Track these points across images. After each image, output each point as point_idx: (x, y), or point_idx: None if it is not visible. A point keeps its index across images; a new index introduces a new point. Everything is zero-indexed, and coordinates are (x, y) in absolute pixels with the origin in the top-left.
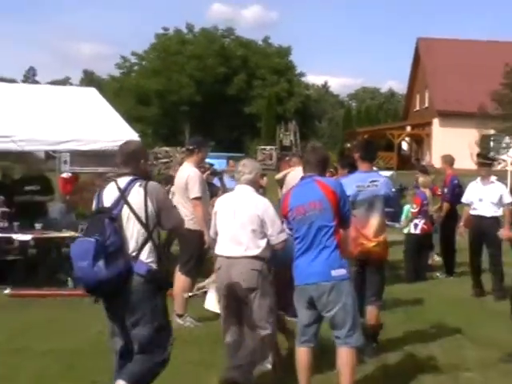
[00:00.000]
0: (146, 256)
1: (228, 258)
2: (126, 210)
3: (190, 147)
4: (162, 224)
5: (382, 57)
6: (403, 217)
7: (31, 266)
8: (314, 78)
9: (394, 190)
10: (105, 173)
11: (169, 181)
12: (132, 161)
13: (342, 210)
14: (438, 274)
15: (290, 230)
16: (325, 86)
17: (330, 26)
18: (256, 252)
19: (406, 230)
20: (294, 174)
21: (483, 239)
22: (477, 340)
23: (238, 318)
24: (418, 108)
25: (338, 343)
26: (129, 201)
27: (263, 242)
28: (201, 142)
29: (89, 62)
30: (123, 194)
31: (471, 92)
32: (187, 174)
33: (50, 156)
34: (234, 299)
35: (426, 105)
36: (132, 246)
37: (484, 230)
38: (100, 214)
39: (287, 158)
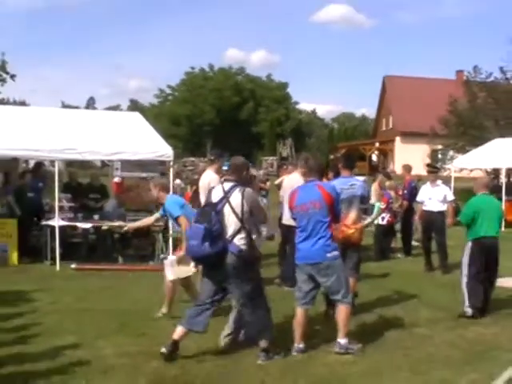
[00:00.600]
0: (238, 240)
1: None
2: (227, 207)
3: (211, 157)
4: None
5: (357, 89)
6: (375, 212)
7: (91, 247)
8: (305, 106)
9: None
10: (146, 177)
11: (194, 183)
12: (237, 171)
13: (335, 209)
14: (399, 255)
15: (294, 219)
16: (313, 112)
17: (317, 66)
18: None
19: (375, 222)
20: (289, 178)
21: (432, 228)
22: (428, 304)
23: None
24: (384, 129)
25: (338, 303)
26: (230, 201)
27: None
28: (219, 154)
29: (134, 92)
30: (226, 195)
31: (424, 117)
32: (209, 179)
33: (105, 164)
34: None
35: (391, 126)
36: (229, 232)
37: (433, 221)
38: (207, 207)
39: (285, 167)
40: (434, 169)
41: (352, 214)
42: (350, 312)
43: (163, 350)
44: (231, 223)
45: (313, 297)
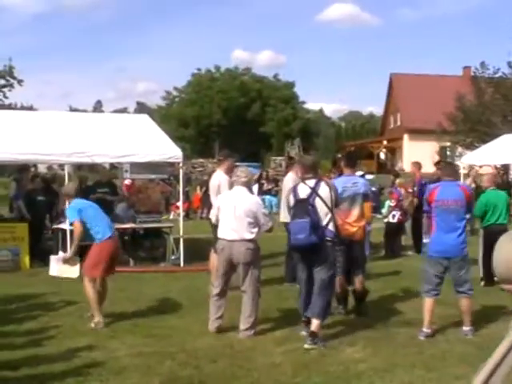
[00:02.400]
0: (331, 227)
1: (229, 241)
2: (318, 200)
3: (221, 158)
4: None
5: (364, 88)
6: (385, 210)
7: None
8: (312, 105)
9: (374, 189)
10: (155, 179)
11: (203, 184)
12: (313, 168)
13: (472, 206)
14: (409, 252)
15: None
16: (320, 111)
17: (324, 66)
18: (250, 236)
19: (385, 220)
20: (286, 178)
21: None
22: (440, 301)
23: (227, 283)
24: (392, 126)
25: (462, 295)
26: (319, 193)
27: (255, 229)
28: (228, 154)
29: (141, 95)
30: (314, 189)
31: (432, 114)
32: (219, 179)
33: (114, 166)
34: (230, 270)
35: (398, 124)
36: (324, 221)
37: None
38: (301, 203)
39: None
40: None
41: (355, 212)
42: (471, 303)
43: (307, 346)
44: (323, 213)
45: (441, 286)
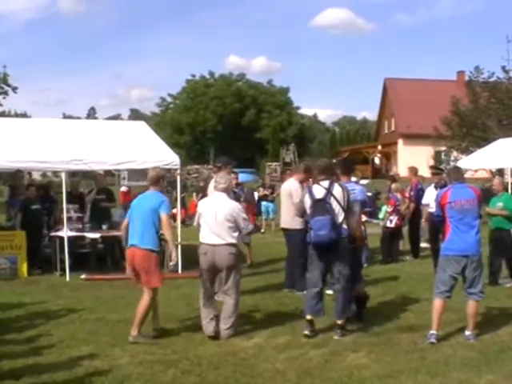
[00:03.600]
0: (345, 225)
1: (212, 245)
2: (333, 200)
3: (219, 165)
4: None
5: (358, 93)
6: (381, 215)
7: (100, 257)
8: (306, 110)
9: (370, 194)
10: None
11: (199, 191)
12: (327, 171)
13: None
14: (407, 257)
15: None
16: (315, 116)
17: (317, 72)
18: (232, 241)
19: (381, 224)
20: (286, 184)
21: (439, 231)
22: None
23: (212, 286)
24: (386, 131)
25: (472, 297)
26: (334, 194)
27: (236, 233)
28: (226, 161)
29: (135, 102)
30: (329, 190)
31: (426, 118)
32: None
33: (109, 173)
34: (213, 274)
35: (393, 129)
36: (339, 219)
37: (439, 224)
38: (319, 202)
39: (288, 172)
40: (438, 170)
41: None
42: (479, 307)
43: (336, 337)
44: (338, 212)
45: (453, 290)
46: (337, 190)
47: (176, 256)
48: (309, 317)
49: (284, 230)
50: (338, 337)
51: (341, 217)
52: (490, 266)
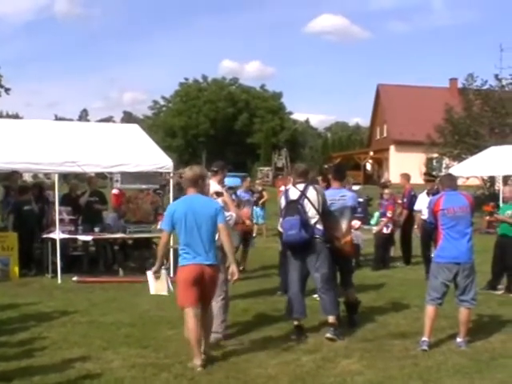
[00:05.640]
0: (319, 226)
1: None
2: (306, 201)
3: (215, 169)
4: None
5: (350, 99)
6: (373, 221)
7: (92, 260)
8: (299, 116)
9: (361, 199)
10: (147, 188)
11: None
12: (304, 175)
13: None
14: (398, 264)
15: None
16: (307, 122)
17: (310, 77)
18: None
19: (374, 231)
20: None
21: (431, 238)
22: None
23: None
24: (378, 137)
25: (464, 304)
26: (308, 196)
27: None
28: (222, 165)
29: (128, 105)
30: (303, 192)
31: (418, 125)
32: (213, 190)
33: (100, 176)
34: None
35: (385, 135)
36: (312, 221)
37: (431, 231)
38: (292, 203)
39: (280, 177)
40: (430, 178)
41: (343, 225)
42: (471, 314)
43: (329, 335)
44: (311, 214)
45: (445, 296)
46: (311, 193)
47: (238, 271)
48: (295, 322)
49: (280, 233)
50: (331, 335)
51: (314, 218)
52: (491, 270)
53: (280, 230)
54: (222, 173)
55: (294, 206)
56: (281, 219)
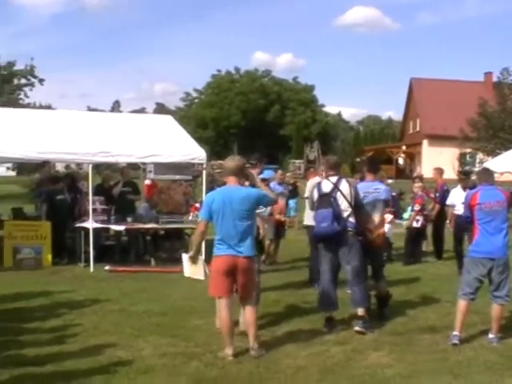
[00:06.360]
0: (352, 219)
1: None
2: (339, 194)
3: (253, 161)
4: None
5: (383, 92)
6: (406, 215)
7: (124, 249)
8: (331, 109)
9: (393, 194)
10: (179, 179)
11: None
12: (336, 167)
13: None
14: (429, 259)
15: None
16: (339, 115)
17: (343, 70)
18: None
19: (405, 224)
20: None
21: (464, 233)
22: None
23: None
24: (411, 131)
25: (497, 300)
26: (340, 189)
27: None
28: (260, 158)
29: (160, 96)
30: (336, 185)
31: (452, 120)
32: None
33: (133, 167)
34: None
35: (418, 129)
36: (344, 213)
37: (464, 226)
38: (325, 196)
39: (312, 169)
40: (465, 176)
41: (376, 218)
42: (504, 310)
43: (358, 328)
44: (344, 207)
45: (478, 292)
46: (344, 186)
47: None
48: (326, 314)
49: (307, 227)
50: (359, 327)
51: (347, 211)
52: None
53: (306, 223)
54: (261, 165)
55: (327, 199)
56: (307, 211)
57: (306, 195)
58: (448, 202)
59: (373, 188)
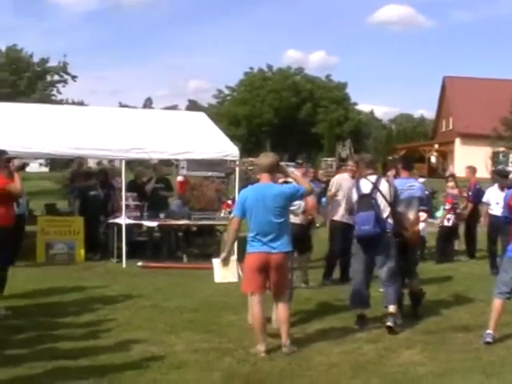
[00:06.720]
0: (390, 219)
1: None
2: (379, 195)
3: (300, 161)
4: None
5: (415, 91)
6: (439, 214)
7: (156, 245)
8: (363, 107)
9: (427, 192)
10: (212, 176)
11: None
12: (372, 165)
13: None
14: (462, 258)
15: None
16: (371, 113)
17: (375, 68)
18: None
19: (437, 222)
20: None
21: (498, 233)
22: None
23: None
24: (443, 130)
25: None
26: (380, 189)
27: None
28: (307, 159)
29: (192, 93)
30: (376, 185)
31: (485, 118)
32: None
33: (166, 163)
34: None
35: (450, 128)
36: (384, 214)
37: (499, 226)
38: (365, 197)
39: (343, 168)
40: (502, 176)
41: (411, 216)
42: None
43: (389, 323)
44: (383, 207)
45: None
46: (383, 186)
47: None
48: (358, 312)
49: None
50: (391, 323)
51: (386, 212)
52: None
53: (334, 219)
54: (307, 165)
55: (368, 201)
56: (340, 210)
57: (332, 191)
58: (484, 199)
59: (407, 185)
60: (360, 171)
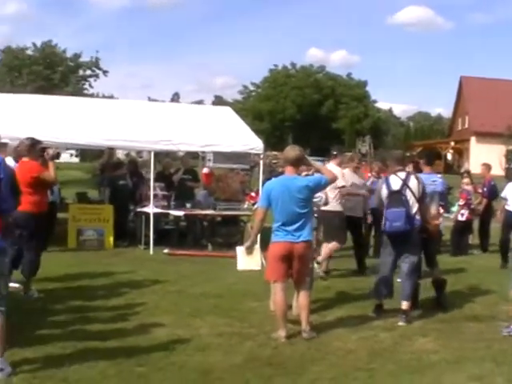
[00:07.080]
0: (417, 216)
1: None
2: (408, 191)
3: (334, 152)
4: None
5: (433, 90)
6: (454, 209)
7: (182, 234)
8: (382, 104)
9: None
10: (236, 168)
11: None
12: (402, 161)
13: None
14: (475, 251)
15: None
16: (390, 111)
17: (394, 67)
18: None
19: (452, 217)
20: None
21: None
22: (507, 298)
23: None
24: (460, 128)
25: None
26: (410, 186)
27: None
28: (340, 150)
29: (219, 89)
30: (405, 182)
31: (500, 117)
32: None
33: (192, 156)
34: None
35: (466, 126)
36: (412, 210)
37: None
38: (395, 193)
39: (363, 163)
40: None
41: (433, 210)
42: None
43: (401, 323)
44: (412, 203)
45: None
46: (413, 182)
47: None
48: (377, 301)
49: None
50: (403, 322)
51: (414, 208)
52: None
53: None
54: (341, 156)
55: (398, 198)
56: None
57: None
58: (502, 194)
59: (431, 180)
60: (389, 167)
